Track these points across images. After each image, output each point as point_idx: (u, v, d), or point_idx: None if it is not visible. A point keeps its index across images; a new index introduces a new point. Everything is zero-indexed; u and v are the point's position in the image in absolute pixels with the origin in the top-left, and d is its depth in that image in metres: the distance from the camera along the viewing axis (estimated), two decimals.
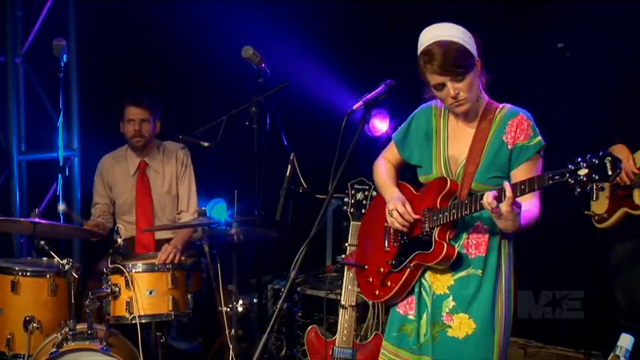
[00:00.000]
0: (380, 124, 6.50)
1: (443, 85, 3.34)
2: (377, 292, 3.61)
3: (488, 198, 3.10)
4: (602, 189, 2.94)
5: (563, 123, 4.99)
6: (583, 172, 2.86)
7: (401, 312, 3.59)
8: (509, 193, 3.06)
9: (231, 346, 4.89)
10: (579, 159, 2.88)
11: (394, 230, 3.59)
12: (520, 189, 3.09)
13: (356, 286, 4.48)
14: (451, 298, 3.43)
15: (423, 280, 3.51)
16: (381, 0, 6.42)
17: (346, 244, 4.57)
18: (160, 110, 5.62)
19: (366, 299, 3.82)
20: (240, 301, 4.97)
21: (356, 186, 4.60)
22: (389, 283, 3.55)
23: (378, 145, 6.56)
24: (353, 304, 4.46)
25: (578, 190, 2.90)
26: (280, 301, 3.27)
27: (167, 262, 4.92)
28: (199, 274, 5.18)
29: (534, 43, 5.82)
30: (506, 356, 3.46)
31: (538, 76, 5.70)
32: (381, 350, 3.66)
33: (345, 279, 4.52)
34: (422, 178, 3.60)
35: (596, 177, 2.85)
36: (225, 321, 4.92)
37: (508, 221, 3.13)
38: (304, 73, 6.24)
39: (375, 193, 4.56)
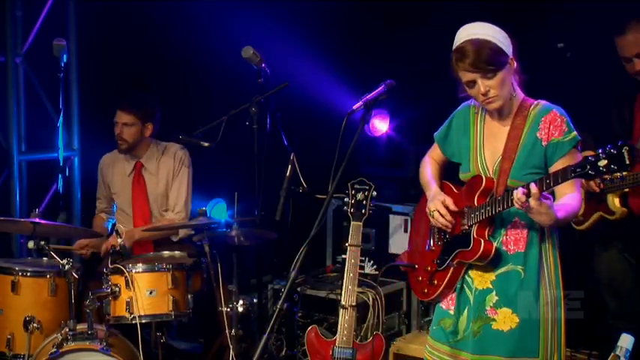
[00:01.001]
0: (380, 124, 6.50)
1: (474, 83, 3.37)
2: (426, 291, 3.70)
3: (518, 194, 3.16)
4: (623, 179, 2.97)
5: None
6: (603, 162, 2.93)
7: (443, 307, 3.65)
8: (533, 190, 3.11)
9: (231, 346, 4.89)
10: (600, 150, 2.95)
11: (438, 229, 3.67)
12: (545, 183, 3.15)
13: (357, 286, 4.49)
14: (494, 292, 3.48)
15: (466, 277, 3.56)
16: (381, 0, 6.42)
17: (346, 245, 4.57)
18: (155, 113, 5.59)
19: (418, 299, 3.88)
20: (241, 301, 4.97)
21: (356, 186, 4.60)
22: (436, 282, 3.63)
23: (378, 145, 6.57)
24: (353, 304, 4.46)
25: (599, 181, 3.00)
26: (280, 301, 3.27)
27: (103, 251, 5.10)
28: (199, 274, 5.18)
29: (534, 43, 5.82)
30: (559, 352, 3.47)
31: (538, 76, 5.69)
32: (426, 347, 3.72)
33: (345, 279, 4.52)
34: (461, 176, 3.65)
35: (615, 167, 2.92)
36: (226, 321, 4.92)
37: (542, 215, 3.18)
38: (304, 73, 6.24)
39: (375, 194, 4.57)
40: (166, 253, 5.28)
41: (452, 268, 3.56)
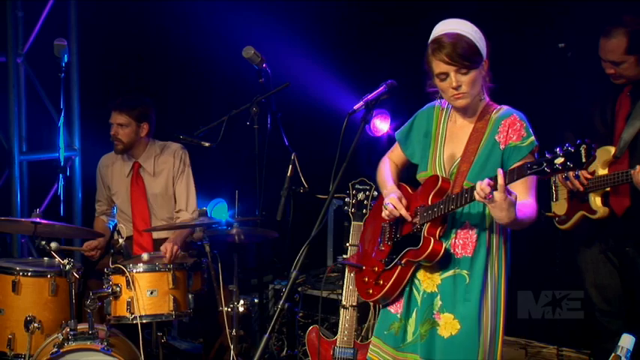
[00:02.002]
0: (381, 125, 6.50)
1: (446, 75, 3.36)
2: (370, 291, 3.62)
3: (482, 184, 3.10)
4: (578, 177, 2.97)
5: (563, 123, 4.99)
6: (559, 160, 2.90)
7: (392, 311, 3.59)
8: (501, 180, 3.07)
9: (231, 346, 4.89)
10: (557, 148, 2.93)
11: (389, 229, 3.61)
12: (509, 177, 3.11)
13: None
14: (439, 297, 3.44)
15: (414, 279, 3.52)
16: (383, 0, 6.42)
17: (347, 245, 4.57)
18: (150, 112, 5.57)
19: (362, 299, 3.84)
20: (241, 301, 4.98)
21: (357, 186, 4.60)
22: (381, 282, 3.55)
23: (379, 145, 6.56)
24: (354, 304, 4.46)
25: (554, 178, 2.97)
26: (281, 302, 3.27)
27: (172, 259, 4.92)
28: (200, 274, 5.18)
29: (535, 43, 5.82)
30: (497, 357, 3.44)
31: (539, 76, 5.70)
32: (370, 347, 3.67)
33: (345, 279, 4.53)
34: (419, 176, 3.61)
35: (571, 165, 2.89)
36: (226, 321, 4.92)
37: (503, 211, 3.13)
38: (305, 73, 6.25)
39: (376, 194, 4.57)
40: None
41: (399, 268, 3.49)
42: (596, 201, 4.59)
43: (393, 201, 3.54)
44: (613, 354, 3.39)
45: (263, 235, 5.23)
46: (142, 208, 5.58)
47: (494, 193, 3.08)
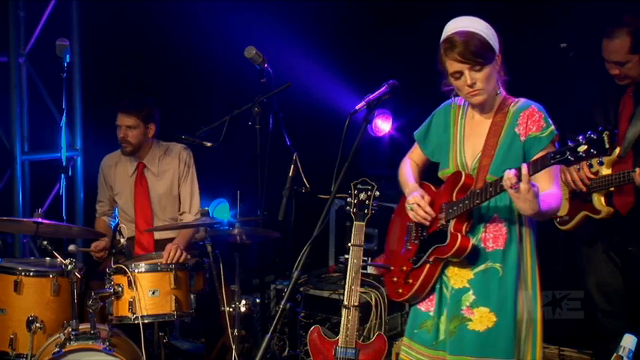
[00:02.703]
0: (383, 125, 6.50)
1: (460, 74, 3.38)
2: (400, 291, 3.67)
3: (509, 174, 3.13)
4: (602, 163, 2.98)
5: (564, 123, 4.99)
6: (582, 148, 2.93)
7: (422, 309, 3.63)
8: (524, 170, 3.10)
9: (233, 346, 4.89)
10: (580, 136, 2.95)
11: (415, 228, 3.66)
12: (533, 168, 3.14)
13: (359, 286, 4.49)
14: (471, 292, 3.47)
15: (443, 276, 3.55)
16: (385, 0, 6.42)
17: (349, 245, 4.56)
18: (155, 113, 5.58)
19: (392, 299, 3.86)
20: (243, 301, 4.97)
21: (359, 186, 4.59)
22: (410, 281, 3.60)
23: (380, 145, 6.57)
24: (356, 304, 4.45)
25: (578, 166, 2.99)
26: (283, 301, 3.27)
27: (173, 261, 4.93)
28: (202, 274, 5.18)
29: (536, 43, 5.82)
30: (533, 353, 3.46)
31: (540, 76, 5.69)
32: (402, 347, 3.71)
33: (347, 279, 4.52)
34: (440, 174, 3.65)
35: (594, 152, 2.92)
36: (228, 321, 4.92)
37: (527, 201, 3.16)
38: (307, 73, 6.25)
39: (377, 194, 4.56)
40: None
41: (428, 266, 3.53)
42: (600, 201, 4.59)
43: (416, 200, 3.58)
44: (615, 354, 3.40)
45: (265, 235, 5.23)
46: (144, 208, 5.58)
47: (520, 183, 3.12)
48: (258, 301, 5.64)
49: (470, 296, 3.46)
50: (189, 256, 5.07)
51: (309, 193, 5.10)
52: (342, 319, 4.49)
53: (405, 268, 3.66)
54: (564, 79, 5.43)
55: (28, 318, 4.76)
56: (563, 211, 4.83)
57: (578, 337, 5.53)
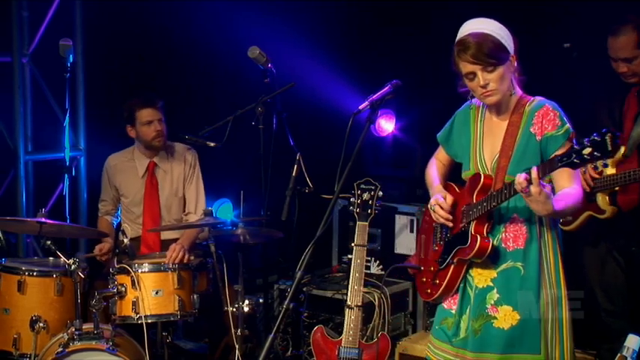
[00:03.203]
0: (386, 125, 6.50)
1: (474, 75, 3.39)
2: (429, 291, 3.70)
3: (520, 178, 3.16)
4: (606, 165, 3.01)
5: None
6: (587, 151, 2.94)
7: (445, 306, 3.66)
8: (534, 174, 3.12)
9: (237, 346, 4.90)
10: (585, 139, 2.96)
11: (440, 229, 3.69)
12: (542, 170, 3.15)
13: (362, 286, 4.49)
14: (495, 290, 3.48)
15: (467, 276, 3.57)
16: (388, 0, 6.42)
17: (352, 245, 4.57)
18: None
19: (423, 299, 3.90)
20: (246, 301, 4.97)
21: (362, 186, 4.60)
22: (438, 281, 3.63)
23: (384, 145, 6.56)
24: (359, 304, 4.46)
25: (584, 169, 3.01)
26: (286, 302, 3.27)
27: (176, 261, 4.93)
28: (205, 274, 5.18)
29: (540, 43, 5.81)
30: (561, 351, 3.46)
31: (543, 76, 5.69)
32: (427, 344, 3.74)
33: (350, 279, 4.52)
34: (463, 176, 3.67)
35: (598, 154, 2.93)
36: (231, 321, 4.93)
37: (539, 203, 3.17)
38: (310, 73, 6.24)
39: (381, 194, 4.57)
40: None
41: (452, 267, 3.56)
42: (604, 200, 4.59)
43: (437, 201, 3.63)
44: (619, 354, 3.40)
45: (268, 235, 5.23)
46: (153, 207, 5.58)
47: (530, 187, 3.14)
48: (261, 301, 5.64)
49: (494, 294, 3.48)
50: (192, 257, 5.07)
51: (312, 193, 5.10)
52: (346, 319, 4.50)
53: (432, 268, 3.70)
54: (567, 80, 5.43)
55: (32, 318, 4.77)
56: None
57: (583, 338, 5.53)
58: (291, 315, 5.60)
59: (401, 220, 6.02)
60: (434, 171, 3.87)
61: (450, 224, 3.61)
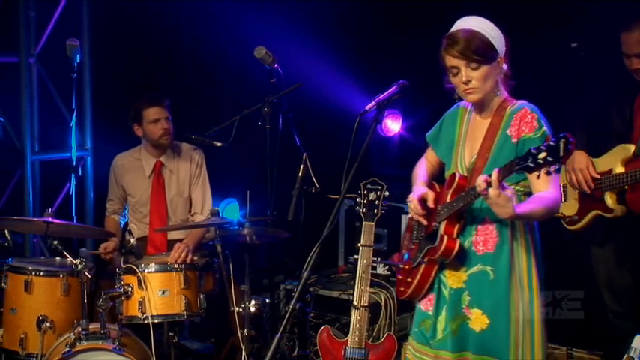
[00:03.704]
0: (393, 125, 6.49)
1: (457, 70, 3.40)
2: (402, 289, 3.72)
3: (480, 180, 3.17)
4: (558, 171, 3.03)
5: (575, 122, 4.98)
6: (542, 155, 2.93)
7: (422, 308, 3.66)
8: (494, 175, 3.11)
9: (243, 346, 4.89)
10: (543, 145, 2.95)
11: (417, 227, 3.70)
12: (503, 173, 3.14)
13: (369, 286, 4.49)
14: (467, 292, 3.49)
15: (441, 276, 3.57)
16: (395, 0, 6.42)
17: (358, 245, 4.56)
18: None
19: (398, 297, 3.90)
20: (253, 301, 4.97)
21: (368, 186, 4.58)
22: (410, 279, 3.64)
23: (390, 145, 6.56)
24: (365, 304, 4.45)
25: (537, 173, 2.97)
26: (293, 302, 3.27)
27: (179, 261, 4.94)
28: (212, 274, 5.18)
29: (548, 43, 5.81)
30: (532, 353, 3.45)
31: (551, 76, 5.68)
32: (408, 347, 3.74)
33: (357, 279, 4.52)
34: (445, 175, 3.68)
35: (551, 159, 2.91)
36: (238, 321, 4.93)
37: (498, 206, 3.17)
38: (317, 73, 6.25)
39: (387, 194, 4.56)
40: None
41: (423, 266, 3.55)
42: (612, 199, 4.57)
43: (410, 197, 3.65)
44: (626, 355, 3.39)
45: (274, 235, 5.23)
46: (160, 207, 5.59)
47: (489, 189, 3.14)
48: (267, 301, 5.63)
49: (466, 296, 3.49)
50: (195, 257, 5.07)
51: (318, 193, 5.10)
52: (352, 319, 4.49)
53: (407, 266, 3.70)
54: (575, 79, 5.42)
55: (39, 317, 4.77)
56: (571, 211, 4.81)
57: (589, 338, 5.53)
58: (297, 315, 5.60)
59: (407, 220, 6.01)
60: (421, 170, 3.87)
61: (425, 222, 3.61)
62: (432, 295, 3.60)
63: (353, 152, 3.35)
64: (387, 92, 3.48)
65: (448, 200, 3.47)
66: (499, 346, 3.42)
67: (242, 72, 6.56)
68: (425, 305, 3.64)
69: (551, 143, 2.91)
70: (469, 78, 3.38)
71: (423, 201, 3.63)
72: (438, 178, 3.86)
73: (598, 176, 4.58)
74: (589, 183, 4.60)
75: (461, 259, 3.46)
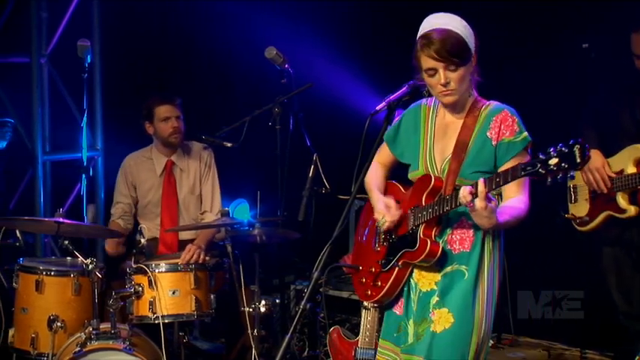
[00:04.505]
0: None
1: (435, 71, 3.34)
2: (369, 292, 3.61)
3: (464, 192, 3.12)
4: (572, 177, 3.00)
5: (584, 122, 4.97)
6: (553, 161, 2.87)
7: (397, 312, 3.58)
8: (481, 187, 3.07)
9: (253, 347, 4.90)
10: (551, 149, 2.89)
11: (383, 230, 3.59)
12: (495, 182, 3.10)
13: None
14: (437, 293, 3.42)
15: (410, 279, 3.51)
16: (407, 0, 6.41)
17: None
18: None
19: (358, 299, 3.82)
20: (263, 302, 4.97)
21: None
22: (379, 283, 3.54)
23: None
24: (375, 305, 4.45)
25: (549, 180, 2.91)
26: (303, 302, 3.26)
27: (191, 261, 4.94)
28: (222, 274, 5.19)
29: (558, 43, 5.79)
30: (484, 354, 3.43)
31: (561, 76, 5.67)
32: (379, 350, 3.65)
33: None
34: (410, 176, 3.60)
35: (565, 165, 2.85)
36: (248, 321, 4.93)
37: (483, 218, 3.14)
38: (328, 73, 6.24)
39: None
40: None
41: (396, 269, 3.47)
42: (625, 200, 4.56)
43: (382, 214, 3.54)
44: (637, 356, 3.38)
45: (284, 236, 5.23)
46: (171, 206, 5.60)
47: (475, 200, 3.09)
48: (277, 301, 5.64)
49: (435, 298, 3.43)
50: (208, 257, 5.07)
51: (329, 194, 5.10)
52: (362, 319, 4.49)
53: (373, 269, 3.59)
54: (585, 79, 5.41)
55: (49, 317, 4.78)
56: (582, 212, 4.80)
57: (600, 340, 5.52)
58: (307, 315, 5.60)
59: None
60: (370, 176, 3.73)
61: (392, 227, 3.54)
62: (402, 299, 3.54)
63: (363, 153, 3.34)
64: (397, 93, 3.46)
65: (423, 203, 3.41)
66: (460, 345, 3.36)
67: (253, 72, 6.57)
68: (399, 309, 3.56)
69: (563, 149, 2.85)
70: (448, 79, 3.33)
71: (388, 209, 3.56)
72: (391, 177, 3.81)
73: (614, 175, 4.57)
74: (606, 182, 4.59)
75: (437, 260, 3.41)
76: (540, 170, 2.91)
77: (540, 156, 2.92)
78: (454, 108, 3.47)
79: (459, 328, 3.36)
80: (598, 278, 5.09)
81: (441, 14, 3.41)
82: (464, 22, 3.37)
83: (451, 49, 3.29)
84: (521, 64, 5.73)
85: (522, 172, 2.99)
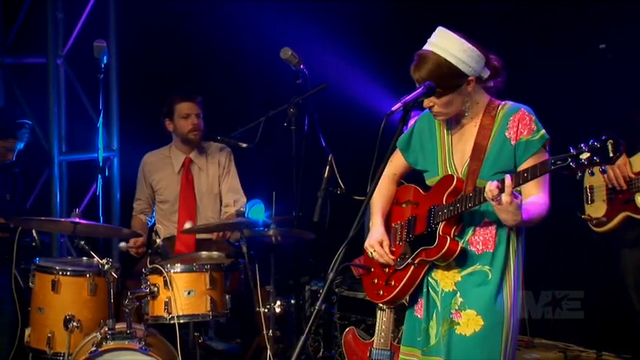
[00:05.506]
0: None
1: None
2: (381, 292, 3.61)
3: (491, 186, 3.11)
4: (592, 174, 2.99)
5: (604, 122, 4.95)
6: (584, 155, 2.87)
7: (418, 316, 3.56)
8: (508, 181, 3.07)
9: (268, 347, 4.89)
10: (582, 144, 2.89)
11: (400, 230, 3.60)
12: (523, 177, 3.11)
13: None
14: (459, 294, 3.41)
15: (430, 279, 3.49)
16: (421, 1, 6.40)
17: None
18: None
19: (371, 301, 3.81)
20: (278, 302, 4.97)
21: None
22: (393, 282, 3.54)
23: None
24: (387, 306, 4.44)
25: (579, 174, 2.90)
26: (318, 303, 3.26)
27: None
28: (237, 274, 5.19)
29: (576, 44, 5.78)
30: (514, 355, 3.41)
31: (580, 77, 5.65)
32: (400, 356, 3.64)
33: None
34: (429, 182, 3.59)
35: (597, 159, 2.85)
36: (263, 322, 4.93)
37: (509, 213, 3.13)
38: (343, 74, 6.24)
39: None
40: (204, 253, 5.30)
41: (412, 268, 3.46)
42: None
43: (375, 247, 3.58)
44: None
45: (300, 236, 5.23)
46: (189, 204, 5.64)
47: (502, 195, 3.09)
48: (293, 301, 5.63)
49: (458, 299, 3.40)
50: (222, 255, 5.12)
51: (344, 195, 5.10)
52: (377, 320, 4.49)
53: (387, 269, 3.59)
54: (603, 80, 5.39)
55: (66, 317, 4.80)
56: (599, 213, 4.77)
57: (617, 341, 5.50)
58: (322, 316, 5.60)
59: None
60: (378, 192, 3.70)
61: (392, 263, 3.54)
62: (422, 300, 3.53)
63: (379, 153, 3.33)
64: (413, 93, 3.44)
65: (444, 202, 3.40)
66: (491, 348, 3.33)
67: (268, 73, 6.57)
68: (420, 312, 3.54)
69: (595, 144, 2.85)
70: (432, 103, 3.35)
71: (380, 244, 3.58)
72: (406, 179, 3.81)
73: (634, 176, 4.55)
74: (626, 178, 4.56)
75: (457, 259, 3.39)
76: (571, 164, 2.90)
77: (571, 150, 2.91)
78: (463, 114, 3.47)
79: (490, 330, 3.35)
80: (598, 278, 5.07)
81: (445, 33, 3.40)
82: (467, 45, 3.32)
83: (427, 78, 3.29)
84: (538, 64, 5.71)
85: (552, 167, 2.98)
